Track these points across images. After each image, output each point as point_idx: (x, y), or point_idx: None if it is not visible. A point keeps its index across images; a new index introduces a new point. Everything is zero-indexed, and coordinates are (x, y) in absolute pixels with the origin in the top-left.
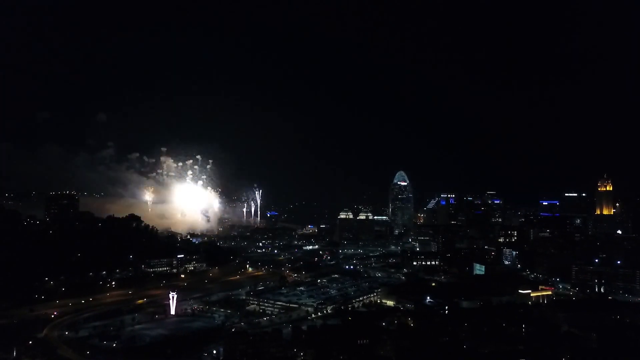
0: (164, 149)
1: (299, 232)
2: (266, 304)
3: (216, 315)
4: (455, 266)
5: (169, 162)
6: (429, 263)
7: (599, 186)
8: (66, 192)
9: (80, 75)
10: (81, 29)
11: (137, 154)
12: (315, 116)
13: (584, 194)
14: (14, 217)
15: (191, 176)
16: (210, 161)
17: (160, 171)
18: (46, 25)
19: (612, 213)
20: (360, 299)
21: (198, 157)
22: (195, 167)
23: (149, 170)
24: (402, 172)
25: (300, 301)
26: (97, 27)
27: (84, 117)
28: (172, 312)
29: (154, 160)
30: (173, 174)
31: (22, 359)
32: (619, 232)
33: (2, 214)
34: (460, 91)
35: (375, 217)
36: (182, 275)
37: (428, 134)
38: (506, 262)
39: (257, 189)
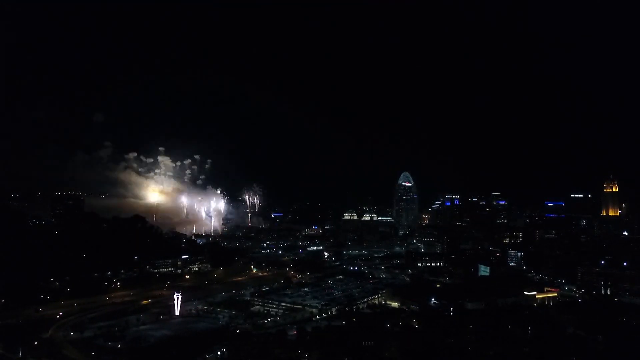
0: (161, 149)
1: (304, 232)
2: (270, 305)
3: (221, 316)
4: (460, 267)
5: (166, 162)
6: (433, 264)
7: (604, 187)
8: (71, 192)
9: (78, 75)
10: (80, 29)
11: (135, 154)
12: (319, 116)
13: (589, 195)
14: (20, 217)
15: (190, 176)
16: (209, 161)
17: (158, 171)
18: (45, 25)
19: (618, 214)
20: (365, 300)
21: (196, 156)
22: (194, 166)
23: (147, 170)
24: (406, 173)
25: (305, 302)
26: (96, 26)
27: (81, 117)
28: (177, 312)
29: (152, 160)
30: (171, 173)
31: (28, 359)
32: (625, 233)
33: (8, 215)
34: (464, 91)
35: (380, 218)
36: (187, 276)
37: (433, 134)
38: (511, 264)
39: (260, 189)
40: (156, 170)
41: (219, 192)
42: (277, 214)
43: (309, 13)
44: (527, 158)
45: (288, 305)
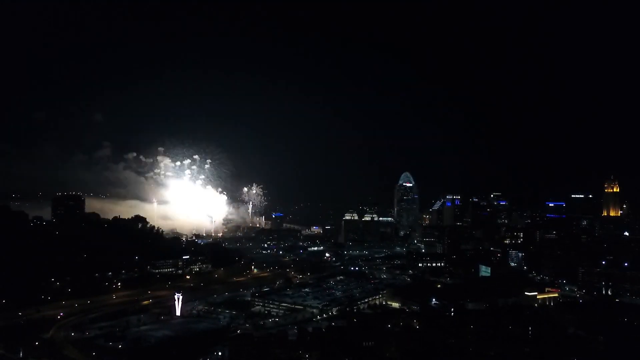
0: (161, 149)
1: (304, 233)
2: (271, 306)
3: (221, 317)
4: (461, 268)
5: (166, 162)
6: (434, 264)
7: (605, 187)
8: (72, 193)
9: (78, 75)
10: (79, 29)
11: (134, 154)
12: (320, 117)
13: (590, 195)
14: (21, 217)
15: (189, 176)
16: (209, 161)
17: (158, 171)
18: (45, 25)
19: (619, 214)
20: (366, 300)
21: (196, 156)
22: (193, 167)
23: (147, 170)
24: (407, 173)
25: (306, 302)
26: (95, 26)
27: (80, 117)
28: (178, 313)
29: (151, 160)
30: (170, 174)
31: (29, 359)
32: (626, 233)
33: (9, 215)
34: (465, 91)
35: (381, 219)
36: (188, 277)
37: (433, 134)
38: (512, 264)
39: (261, 190)
40: (156, 170)
41: (220, 191)
42: (278, 214)
43: (307, 10)
44: (527, 158)
45: (289, 305)
